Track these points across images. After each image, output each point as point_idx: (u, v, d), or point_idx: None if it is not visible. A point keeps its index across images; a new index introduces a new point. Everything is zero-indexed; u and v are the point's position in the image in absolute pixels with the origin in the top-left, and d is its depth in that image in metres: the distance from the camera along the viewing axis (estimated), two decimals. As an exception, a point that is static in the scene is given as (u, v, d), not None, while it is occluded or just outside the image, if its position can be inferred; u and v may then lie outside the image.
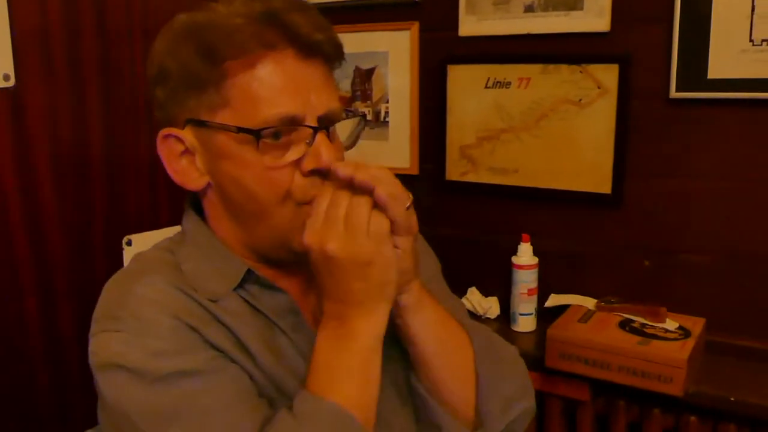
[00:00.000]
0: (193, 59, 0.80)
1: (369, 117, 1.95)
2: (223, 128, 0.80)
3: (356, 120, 0.91)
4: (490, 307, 1.78)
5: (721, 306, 1.59)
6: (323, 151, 0.80)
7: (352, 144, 0.90)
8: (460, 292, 1.83)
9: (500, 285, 1.80)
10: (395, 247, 0.78)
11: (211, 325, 0.81)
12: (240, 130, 0.79)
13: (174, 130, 0.84)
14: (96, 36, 1.68)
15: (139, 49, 1.77)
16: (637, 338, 1.47)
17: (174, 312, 0.79)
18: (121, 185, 1.79)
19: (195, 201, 0.91)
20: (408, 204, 0.77)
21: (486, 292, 1.83)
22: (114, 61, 1.72)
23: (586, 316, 1.60)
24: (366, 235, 0.74)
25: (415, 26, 1.84)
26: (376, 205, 0.75)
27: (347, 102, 1.97)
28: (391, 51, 1.89)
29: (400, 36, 1.87)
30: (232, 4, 0.82)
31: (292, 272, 0.89)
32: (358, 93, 1.96)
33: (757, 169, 1.52)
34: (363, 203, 0.75)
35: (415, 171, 1.90)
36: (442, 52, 1.82)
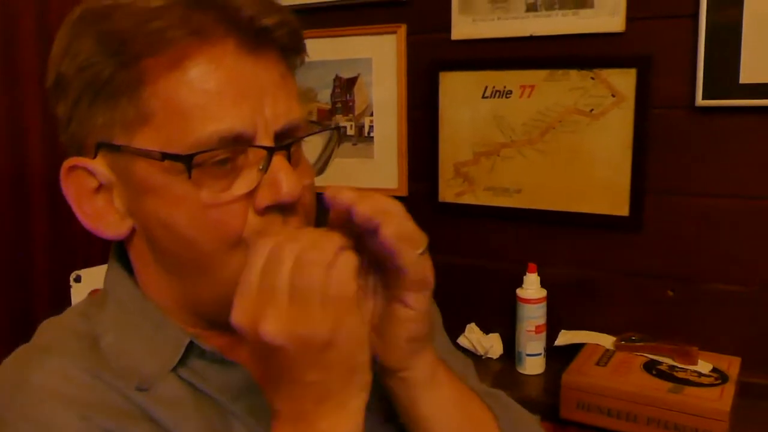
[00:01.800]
0: (95, 59, 0.58)
1: (351, 132, 1.74)
2: (143, 154, 0.59)
3: (327, 135, 0.70)
4: (492, 346, 1.57)
5: (756, 342, 1.39)
6: (283, 180, 0.59)
7: (323, 167, 0.69)
8: (458, 328, 1.61)
9: (503, 320, 1.59)
10: (405, 305, 0.58)
11: (137, 423, 0.59)
12: (165, 156, 0.57)
13: (82, 161, 0.62)
14: (37, 41, 1.47)
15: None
16: (667, 384, 1.27)
17: (83, 410, 0.58)
18: (67, 211, 1.56)
19: (121, 249, 0.69)
20: (422, 248, 0.57)
21: (487, 329, 1.61)
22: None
23: (605, 357, 1.39)
24: (321, 305, 0.52)
25: (402, 29, 1.64)
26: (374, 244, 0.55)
27: (327, 115, 1.76)
28: (375, 57, 1.69)
29: (386, 40, 1.66)
30: None
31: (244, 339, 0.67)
32: (339, 105, 1.75)
33: (796, 187, 1.33)
34: (317, 260, 0.53)
35: (404, 192, 1.69)
36: (433, 57, 1.62)
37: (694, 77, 1.35)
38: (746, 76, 1.31)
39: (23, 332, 1.44)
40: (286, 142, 0.61)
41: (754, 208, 1.37)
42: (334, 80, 1.74)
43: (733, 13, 1.30)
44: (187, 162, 0.57)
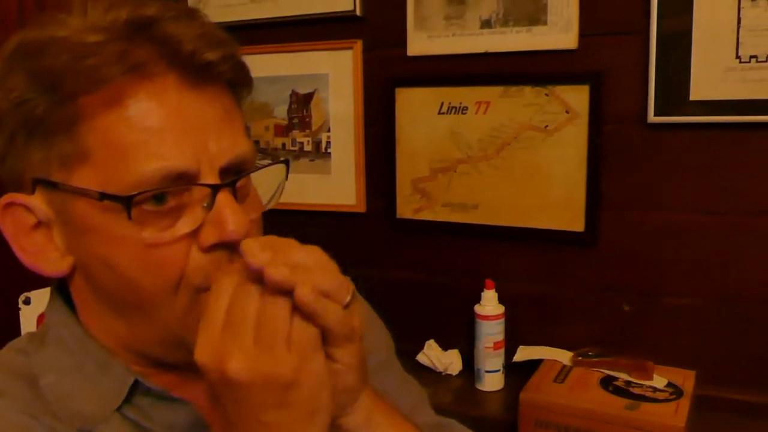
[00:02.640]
0: (29, 95, 0.56)
1: (309, 147, 1.72)
2: (82, 193, 0.57)
3: (277, 168, 0.67)
4: (451, 362, 1.56)
5: (710, 355, 1.41)
6: (229, 218, 0.57)
7: (272, 203, 0.67)
8: (417, 345, 1.60)
9: (462, 336, 1.58)
10: (333, 361, 0.55)
11: None
12: (104, 196, 0.55)
13: (19, 197, 0.60)
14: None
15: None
16: (623, 401, 1.27)
17: None
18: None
19: (62, 284, 0.66)
20: (347, 300, 0.54)
21: (446, 345, 1.60)
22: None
23: (563, 373, 1.39)
24: (286, 346, 0.51)
25: (358, 44, 1.63)
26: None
27: (283, 131, 1.74)
28: (331, 73, 1.67)
29: (342, 56, 1.65)
30: (89, 12, 0.58)
31: (195, 376, 0.65)
32: (296, 121, 1.73)
33: (746, 201, 1.35)
34: (283, 300, 0.52)
35: (362, 208, 1.67)
36: (389, 73, 1.61)
37: (646, 94, 1.36)
38: (696, 93, 1.32)
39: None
40: (230, 179, 0.59)
41: (707, 222, 1.38)
42: (291, 95, 1.72)
43: (683, 30, 1.31)
44: (126, 203, 0.55)
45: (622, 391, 1.31)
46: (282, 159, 0.67)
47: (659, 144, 1.39)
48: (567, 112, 1.43)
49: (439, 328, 1.62)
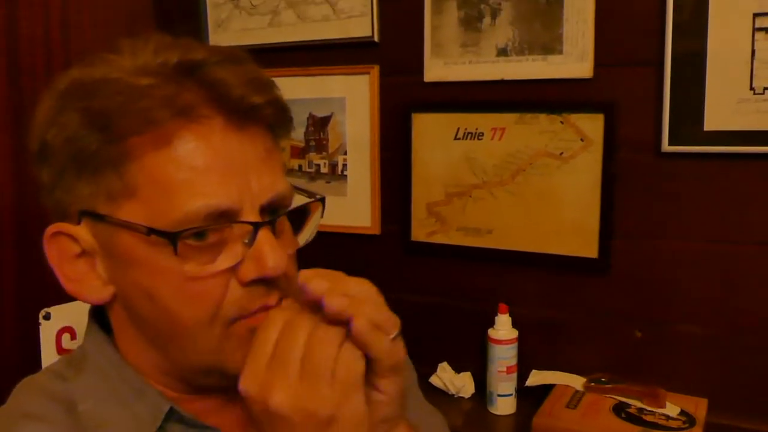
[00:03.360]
0: (82, 132, 0.59)
1: (325, 170, 1.74)
2: (128, 227, 0.59)
3: (313, 205, 0.70)
4: (464, 385, 1.57)
5: (722, 383, 1.41)
6: (269, 254, 0.59)
7: (309, 239, 0.69)
8: (430, 367, 1.62)
9: (474, 360, 1.59)
10: (377, 390, 0.57)
11: None
12: (151, 231, 0.58)
13: (65, 227, 0.62)
14: (6, 75, 1.46)
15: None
16: (636, 428, 1.28)
17: None
18: (37, 248, 1.54)
19: (99, 311, 0.68)
20: (395, 332, 0.56)
21: (458, 368, 1.62)
22: (28, 104, 1.49)
23: (575, 399, 1.40)
24: (330, 382, 0.53)
25: (375, 70, 1.66)
26: (348, 336, 0.55)
27: (300, 153, 1.77)
28: (348, 97, 1.70)
29: (359, 80, 1.68)
30: (138, 54, 0.61)
31: (227, 402, 0.67)
32: (313, 143, 1.76)
33: (759, 230, 1.36)
34: (330, 337, 0.54)
35: (376, 230, 1.69)
36: (405, 98, 1.64)
37: (660, 123, 1.38)
38: (710, 124, 1.34)
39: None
40: (270, 216, 0.62)
41: (719, 251, 1.39)
42: (308, 118, 1.75)
43: (697, 61, 1.33)
44: (173, 238, 0.57)
45: (635, 419, 1.31)
46: (318, 197, 0.69)
47: (672, 173, 1.40)
48: (582, 139, 1.45)
49: (452, 351, 1.63)
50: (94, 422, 0.63)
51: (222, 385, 0.65)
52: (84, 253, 0.63)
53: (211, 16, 1.84)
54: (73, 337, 1.62)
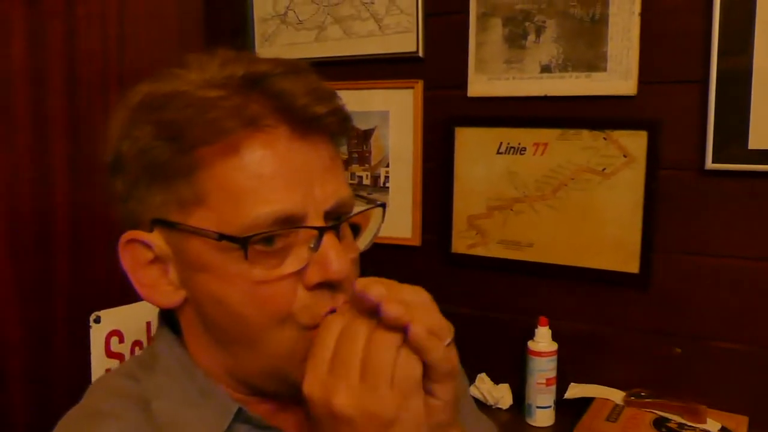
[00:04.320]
0: (154, 144, 0.62)
1: (367, 181, 1.78)
2: (199, 233, 0.62)
3: (374, 211, 0.72)
4: (502, 396, 1.59)
5: (763, 401, 1.41)
6: (333, 259, 0.62)
7: (369, 244, 0.71)
8: (469, 378, 1.62)
9: (513, 371, 1.61)
10: (432, 396, 0.59)
11: None
12: (222, 237, 0.60)
13: (139, 234, 0.65)
14: (65, 86, 1.51)
15: (114, 100, 1.60)
16: (677, 443, 1.29)
17: None
18: (88, 253, 1.59)
19: (169, 314, 0.72)
20: (449, 339, 0.58)
21: (497, 379, 1.63)
22: (84, 113, 1.55)
23: (615, 412, 1.41)
24: (389, 385, 0.55)
25: (419, 84, 1.69)
26: (405, 342, 0.57)
27: (343, 165, 1.80)
28: (392, 110, 1.74)
29: (403, 95, 1.71)
30: (205, 68, 0.64)
31: (287, 405, 0.70)
32: (356, 155, 1.79)
33: (802, 249, 1.36)
34: (388, 341, 0.56)
35: (417, 242, 1.72)
36: (448, 113, 1.67)
37: (704, 141, 1.39)
38: (754, 142, 1.35)
39: (43, 371, 1.46)
40: (333, 223, 0.64)
41: (761, 268, 1.40)
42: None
43: (742, 80, 1.35)
44: (243, 243, 0.60)
45: (675, 434, 1.32)
46: (379, 203, 0.72)
47: (715, 190, 1.41)
48: (624, 156, 1.47)
49: (491, 363, 1.65)
50: (166, 421, 0.66)
51: (281, 391, 0.67)
52: (157, 260, 0.66)
53: (258, 30, 1.89)
54: (122, 340, 1.67)
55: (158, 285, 0.67)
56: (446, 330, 0.58)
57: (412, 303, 0.57)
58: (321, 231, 0.62)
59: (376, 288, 0.57)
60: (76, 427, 0.66)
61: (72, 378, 1.51)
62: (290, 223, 0.62)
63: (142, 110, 0.64)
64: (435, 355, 0.57)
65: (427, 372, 0.58)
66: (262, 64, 0.64)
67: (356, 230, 0.73)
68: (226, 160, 0.61)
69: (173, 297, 0.67)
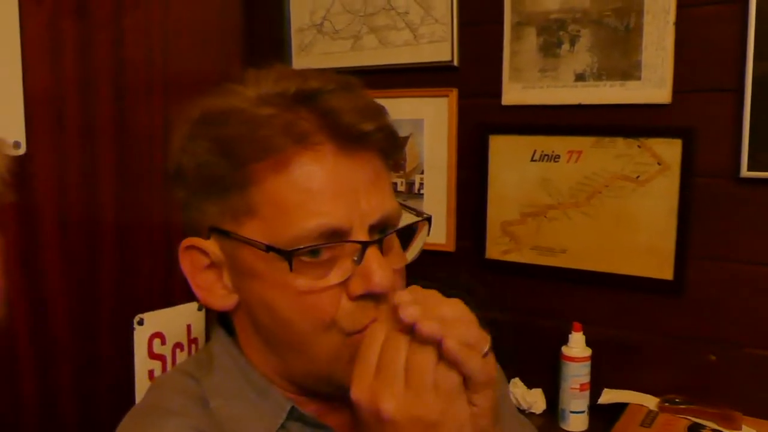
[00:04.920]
0: (210, 159, 0.66)
1: (402, 188, 1.81)
2: (250, 243, 0.66)
3: (420, 223, 0.75)
4: (535, 401, 1.60)
5: (799, 410, 1.41)
6: (376, 272, 0.65)
7: (416, 255, 0.74)
8: (501, 383, 1.65)
9: (546, 376, 1.62)
10: (472, 404, 0.61)
11: None
12: (270, 248, 0.64)
13: (197, 241, 0.70)
14: (112, 94, 1.57)
15: (158, 107, 1.66)
16: (712, 449, 1.30)
17: None
18: (133, 257, 1.64)
19: (224, 316, 0.76)
20: (486, 350, 0.60)
21: (530, 384, 1.65)
22: (130, 121, 1.60)
23: (649, 418, 1.42)
24: (433, 390, 0.58)
25: (454, 93, 1.72)
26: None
27: (390, 179, 1.84)
28: (427, 118, 1.77)
29: (438, 103, 1.74)
30: (261, 83, 0.67)
31: (339, 406, 0.73)
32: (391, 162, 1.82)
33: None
34: (428, 351, 0.59)
35: (451, 248, 1.74)
36: (482, 120, 1.69)
37: (739, 149, 1.40)
38: (790, 150, 1.36)
39: (89, 370, 1.51)
40: (378, 235, 0.67)
41: (797, 276, 1.40)
42: (386, 138, 1.82)
43: (777, 89, 1.36)
44: (288, 256, 0.63)
45: (710, 440, 1.33)
46: (425, 216, 0.75)
47: (750, 198, 1.42)
48: (659, 163, 1.48)
49: (524, 367, 1.67)
50: (225, 418, 0.70)
51: (328, 391, 0.70)
52: (212, 265, 0.70)
53: (295, 40, 1.94)
54: (163, 342, 1.72)
55: (213, 289, 0.71)
56: (483, 341, 0.60)
57: (448, 317, 0.59)
58: (364, 245, 0.65)
59: (411, 309, 0.59)
60: (144, 423, 0.69)
61: (117, 377, 1.56)
62: (336, 236, 0.65)
63: (201, 125, 0.68)
64: (470, 367, 0.59)
65: (466, 382, 0.60)
66: (314, 80, 0.67)
67: (405, 236, 0.76)
68: (276, 176, 0.64)
69: (227, 300, 0.71)
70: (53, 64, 1.44)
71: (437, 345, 0.58)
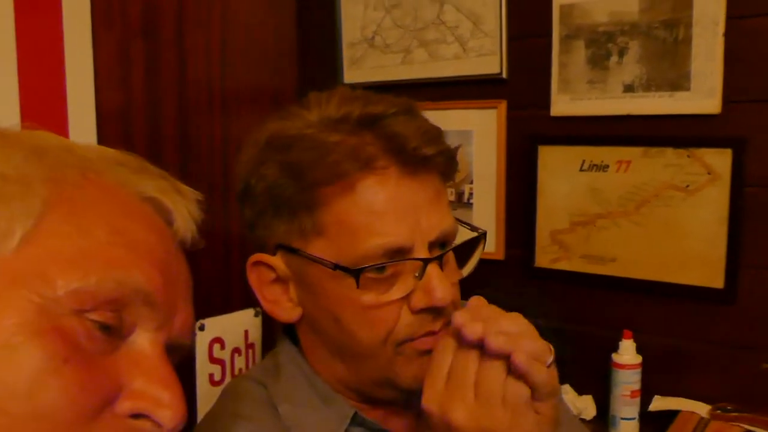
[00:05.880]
0: (280, 181, 0.71)
1: (452, 198, 1.85)
2: (317, 261, 0.70)
3: (476, 240, 0.79)
4: (586, 408, 1.63)
5: None
6: (437, 287, 0.69)
7: (471, 269, 0.79)
8: (551, 389, 1.68)
9: (595, 382, 1.65)
10: (537, 413, 0.64)
11: None
12: (337, 267, 0.69)
13: (264, 257, 0.75)
14: (176, 110, 1.65)
15: (218, 122, 1.74)
16: (765, 457, 1.30)
17: None
18: (193, 265, 1.71)
19: (289, 327, 0.81)
20: (549, 361, 0.64)
21: (580, 390, 1.67)
22: (192, 135, 1.68)
23: (701, 425, 1.43)
24: (501, 403, 0.62)
25: (503, 104, 1.76)
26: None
27: (447, 197, 1.88)
28: (476, 130, 1.81)
29: (487, 114, 1.78)
30: (325, 107, 0.72)
31: (400, 410, 0.78)
32: (440, 172, 1.87)
33: None
34: (497, 366, 0.62)
35: (500, 256, 1.78)
36: (532, 131, 1.72)
37: (790, 159, 1.41)
38: (842, 160, 1.36)
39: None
40: (438, 251, 0.71)
41: None
42: (436, 149, 1.86)
43: (829, 99, 1.36)
44: (356, 274, 0.68)
45: (764, 448, 1.34)
46: (481, 231, 0.80)
47: (802, 207, 1.43)
48: (708, 173, 1.50)
49: (575, 374, 1.69)
50: (293, 423, 0.75)
51: (392, 396, 0.75)
52: (279, 279, 0.75)
53: (347, 55, 2.00)
54: (223, 347, 1.79)
55: (280, 301, 0.76)
56: (547, 353, 0.64)
57: (512, 331, 0.63)
58: (425, 262, 0.70)
59: (474, 327, 0.62)
60: (215, 428, 0.75)
61: (181, 380, 1.63)
62: (399, 254, 0.69)
63: (269, 150, 0.72)
64: (538, 378, 0.62)
65: (532, 392, 0.64)
66: (376, 105, 0.71)
67: (461, 249, 0.81)
68: (343, 198, 0.69)
69: (292, 313, 0.76)
70: (123, 84, 1.53)
71: (505, 358, 0.62)
